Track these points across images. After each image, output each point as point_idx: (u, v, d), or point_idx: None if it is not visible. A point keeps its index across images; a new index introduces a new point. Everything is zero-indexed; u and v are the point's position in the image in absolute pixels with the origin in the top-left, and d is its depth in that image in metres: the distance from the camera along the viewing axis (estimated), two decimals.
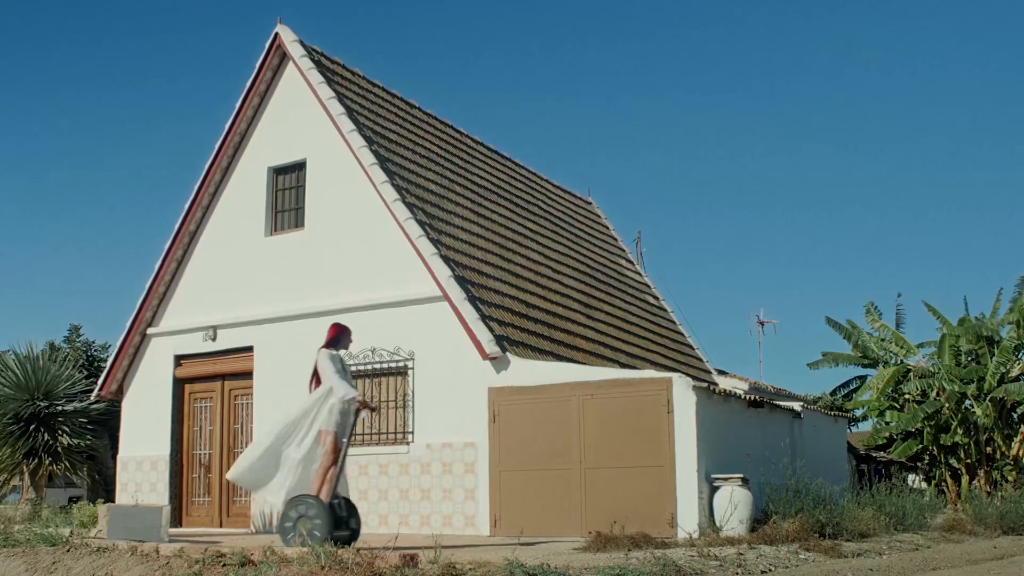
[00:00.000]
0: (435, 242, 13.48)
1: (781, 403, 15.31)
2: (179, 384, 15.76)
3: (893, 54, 61.79)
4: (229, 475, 9.76)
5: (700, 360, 20.90)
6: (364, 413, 11.36)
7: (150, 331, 16.02)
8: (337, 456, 9.24)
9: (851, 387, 25.00)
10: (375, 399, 13.74)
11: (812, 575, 8.40)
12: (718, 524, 11.11)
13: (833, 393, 25.22)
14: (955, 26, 59.01)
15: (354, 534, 9.37)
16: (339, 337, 9.74)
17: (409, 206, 13.74)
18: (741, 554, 9.16)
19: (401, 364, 13.50)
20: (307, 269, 14.60)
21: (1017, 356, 21.21)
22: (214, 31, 63.55)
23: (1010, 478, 20.66)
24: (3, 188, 58.14)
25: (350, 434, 9.37)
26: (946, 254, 59.06)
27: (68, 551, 9.82)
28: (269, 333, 14.75)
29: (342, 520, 9.26)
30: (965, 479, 21.11)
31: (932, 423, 21.08)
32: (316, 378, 9.46)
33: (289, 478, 9.22)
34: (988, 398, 20.61)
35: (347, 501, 9.55)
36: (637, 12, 64.17)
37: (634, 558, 8.51)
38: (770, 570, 8.56)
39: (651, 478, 11.54)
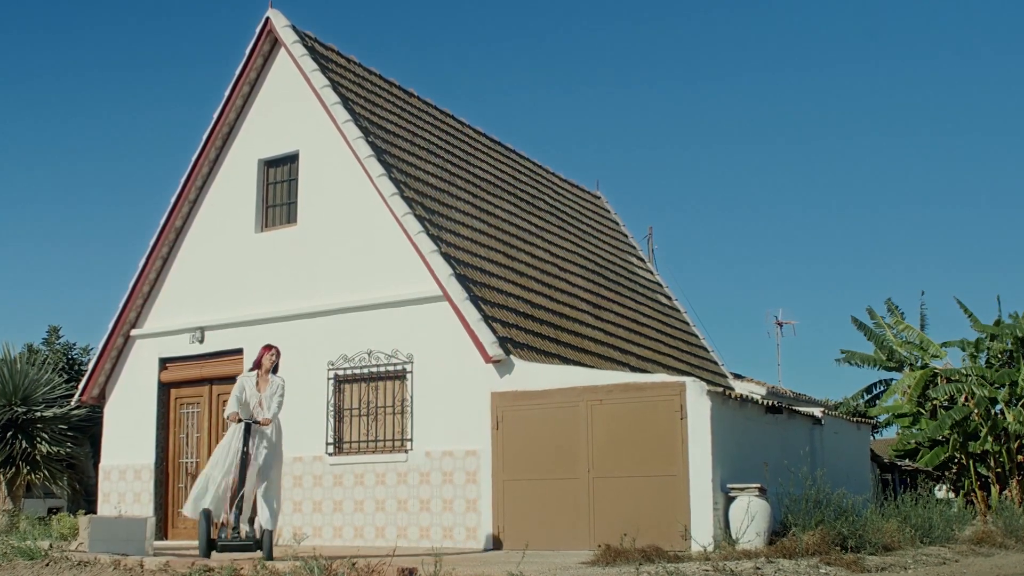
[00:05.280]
0: (435, 239, 13.49)
1: (801, 409, 15.30)
2: (164, 389, 15.77)
3: (921, 44, 61.80)
4: None
5: (715, 363, 20.91)
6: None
7: (134, 333, 16.04)
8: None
9: (875, 392, 24.99)
10: (372, 404, 13.75)
11: None
12: (734, 536, 11.10)
13: (855, 398, 25.20)
14: (988, 16, 58.99)
15: None
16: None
17: (408, 201, 13.74)
18: (758, 568, 9.16)
19: (399, 367, 13.50)
20: (300, 267, 14.62)
21: None
22: (201, 15, 63.68)
23: None
24: None
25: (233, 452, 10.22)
26: (973, 252, 59.00)
27: (47, 565, 9.85)
28: (260, 335, 14.72)
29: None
30: (995, 489, 21.08)
31: (960, 430, 21.05)
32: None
33: None
34: (1020, 403, 20.58)
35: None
36: None
37: (645, 572, 8.52)
38: None
39: (663, 488, 11.54)
